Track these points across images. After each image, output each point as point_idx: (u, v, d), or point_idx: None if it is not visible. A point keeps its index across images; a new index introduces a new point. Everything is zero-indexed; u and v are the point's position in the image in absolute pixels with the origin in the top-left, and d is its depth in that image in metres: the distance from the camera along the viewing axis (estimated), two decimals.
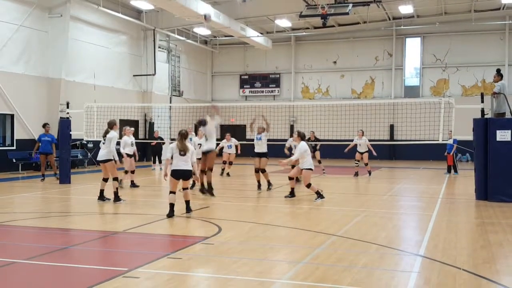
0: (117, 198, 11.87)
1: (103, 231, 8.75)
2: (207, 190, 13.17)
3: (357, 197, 14.27)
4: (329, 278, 5.95)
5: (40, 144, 17.48)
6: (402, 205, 12.84)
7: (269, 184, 14.67)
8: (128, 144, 15.19)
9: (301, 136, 12.74)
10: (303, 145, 12.47)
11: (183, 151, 10.05)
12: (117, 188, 11.96)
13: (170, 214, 9.92)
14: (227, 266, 6.49)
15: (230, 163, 19.81)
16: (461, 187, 16.33)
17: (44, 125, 18.16)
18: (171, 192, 10.06)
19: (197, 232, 8.78)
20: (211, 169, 13.25)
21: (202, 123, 13.31)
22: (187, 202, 10.31)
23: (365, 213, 10.77)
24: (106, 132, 12.07)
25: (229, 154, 19.80)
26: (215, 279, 6.01)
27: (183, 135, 10.21)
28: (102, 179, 12.09)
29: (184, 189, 10.34)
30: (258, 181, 14.87)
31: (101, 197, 11.96)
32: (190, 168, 10.12)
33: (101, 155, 12.00)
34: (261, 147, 14.79)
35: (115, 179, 11.93)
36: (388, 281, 5.90)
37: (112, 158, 11.92)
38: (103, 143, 12.08)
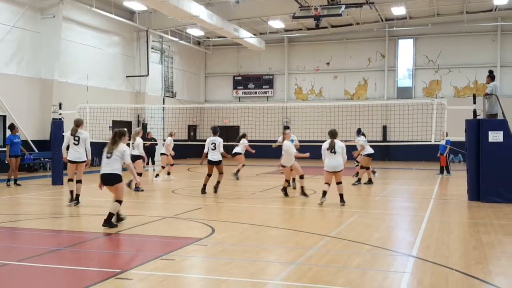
0: (77, 200, 11.56)
1: (96, 233, 8.71)
2: (215, 187, 13.76)
3: (350, 198, 14.26)
4: (322, 279, 5.97)
5: (10, 146, 16.23)
6: (395, 206, 12.88)
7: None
8: (141, 146, 15.21)
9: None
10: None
11: (109, 152, 8.99)
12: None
13: (117, 219, 9.17)
14: (221, 267, 6.50)
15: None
16: (454, 187, 16.39)
17: (12, 127, 17.01)
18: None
19: (191, 234, 8.77)
20: (222, 173, 13.75)
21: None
22: (109, 214, 8.88)
23: (358, 214, 10.80)
24: (75, 131, 11.65)
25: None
26: (208, 280, 6.01)
27: (117, 134, 9.14)
28: (76, 181, 11.61)
29: (116, 201, 9.04)
30: (301, 187, 13.96)
31: (77, 199, 11.57)
32: (115, 172, 8.93)
33: (79, 156, 11.64)
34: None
35: (80, 181, 11.67)
36: (381, 282, 5.93)
37: (87, 159, 11.81)
38: (75, 144, 11.63)
